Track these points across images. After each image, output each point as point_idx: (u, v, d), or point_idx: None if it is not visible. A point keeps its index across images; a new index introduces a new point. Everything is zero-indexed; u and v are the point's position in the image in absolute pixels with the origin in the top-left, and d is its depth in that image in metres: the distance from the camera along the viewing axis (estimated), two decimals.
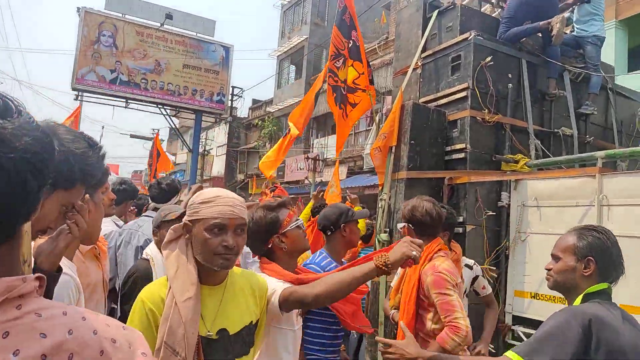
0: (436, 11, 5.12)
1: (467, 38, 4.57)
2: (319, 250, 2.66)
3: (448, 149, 4.46)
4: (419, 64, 5.08)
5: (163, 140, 37.86)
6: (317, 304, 1.80)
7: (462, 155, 4.32)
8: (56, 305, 0.73)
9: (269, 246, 1.96)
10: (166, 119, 22.10)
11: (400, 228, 2.57)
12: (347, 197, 5.22)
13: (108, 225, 3.60)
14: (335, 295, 1.70)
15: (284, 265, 1.93)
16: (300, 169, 19.09)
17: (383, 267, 1.65)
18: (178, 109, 21.27)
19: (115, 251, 3.37)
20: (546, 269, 1.81)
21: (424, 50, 5.09)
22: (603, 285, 1.65)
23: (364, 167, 16.20)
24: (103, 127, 44.26)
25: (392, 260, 1.66)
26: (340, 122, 5.09)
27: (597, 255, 1.67)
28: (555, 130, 4.87)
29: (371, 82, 5.10)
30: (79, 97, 18.68)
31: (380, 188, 4.36)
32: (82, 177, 1.26)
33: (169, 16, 20.39)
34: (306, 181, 18.51)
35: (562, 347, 1.46)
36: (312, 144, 20.92)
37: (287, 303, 1.71)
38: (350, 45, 5.09)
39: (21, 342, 0.65)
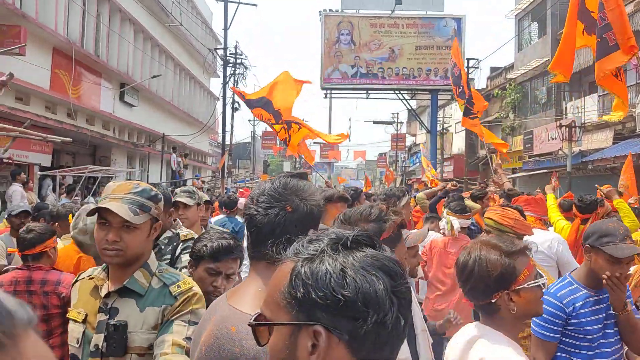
0: None
1: None
2: (566, 274, 2.16)
3: None
4: None
5: (402, 123, 39.13)
6: None
7: None
8: None
9: (493, 301, 1.54)
10: (403, 102, 22.80)
11: None
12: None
13: None
14: None
15: (506, 331, 1.53)
16: (552, 138, 17.07)
17: None
18: (414, 92, 21.62)
19: None
20: None
21: None
22: None
23: (637, 130, 13.49)
24: (350, 119, 48.67)
25: None
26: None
27: None
28: None
29: None
30: (328, 95, 20.89)
31: None
32: None
33: (397, 1, 20.77)
34: (560, 152, 16.50)
35: None
36: (565, 108, 18.47)
37: None
38: None
39: None
